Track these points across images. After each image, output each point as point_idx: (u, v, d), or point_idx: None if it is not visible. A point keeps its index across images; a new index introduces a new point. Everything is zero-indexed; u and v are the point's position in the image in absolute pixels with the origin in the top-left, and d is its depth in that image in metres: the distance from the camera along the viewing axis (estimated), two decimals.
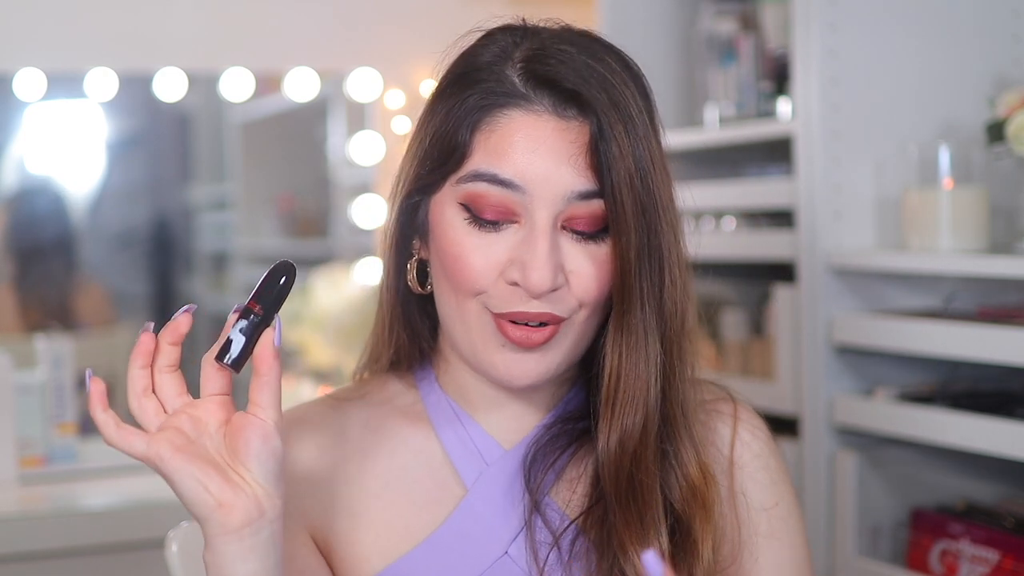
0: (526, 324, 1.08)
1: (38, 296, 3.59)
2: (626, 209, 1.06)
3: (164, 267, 4.15)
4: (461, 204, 1.08)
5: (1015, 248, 1.86)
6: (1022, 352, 1.69)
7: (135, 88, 2.90)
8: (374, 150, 2.96)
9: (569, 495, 1.14)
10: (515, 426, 1.17)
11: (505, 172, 1.06)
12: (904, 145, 1.99)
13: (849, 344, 1.97)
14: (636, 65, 1.12)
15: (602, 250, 1.08)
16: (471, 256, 1.08)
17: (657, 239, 1.08)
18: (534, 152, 1.06)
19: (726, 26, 2.35)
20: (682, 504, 1.11)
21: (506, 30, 1.13)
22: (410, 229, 1.16)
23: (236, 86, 2.89)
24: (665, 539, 1.09)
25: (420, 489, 1.15)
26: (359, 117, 3.02)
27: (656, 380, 1.10)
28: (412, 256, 1.16)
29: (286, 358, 3.05)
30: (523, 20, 1.14)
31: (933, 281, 2.01)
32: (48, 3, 2.66)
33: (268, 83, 3.07)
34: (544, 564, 1.10)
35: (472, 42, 1.13)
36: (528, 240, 1.06)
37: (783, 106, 2.14)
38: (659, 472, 1.10)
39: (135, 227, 4.08)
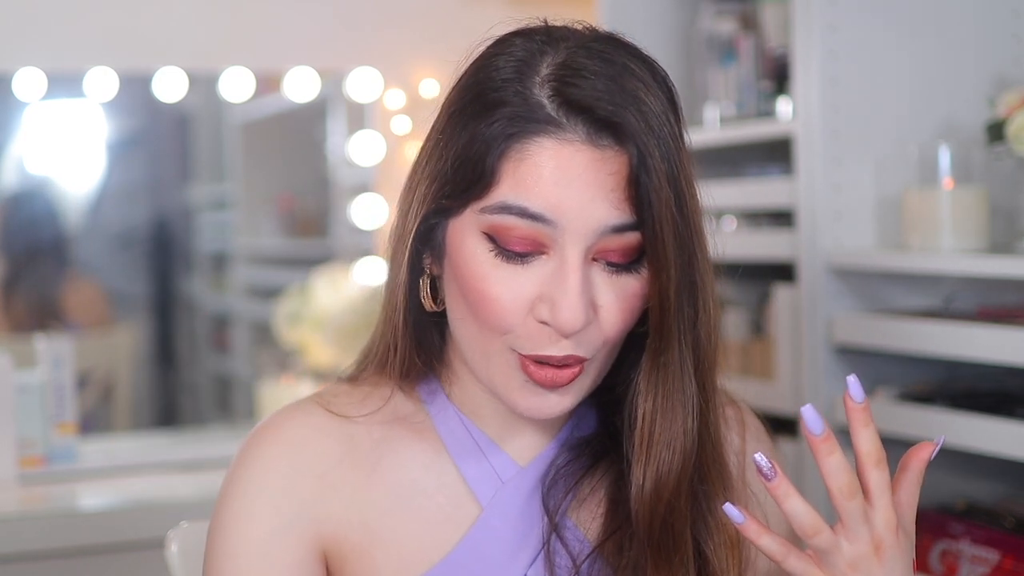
0: (551, 365, 1.03)
1: (29, 296, 3.60)
2: (667, 244, 1.00)
3: (164, 267, 4.16)
4: (485, 234, 1.02)
5: (1015, 248, 1.86)
6: (1022, 352, 1.69)
7: (135, 88, 2.90)
8: (374, 150, 2.96)
9: (589, 518, 1.11)
10: (528, 442, 1.13)
11: (535, 205, 0.99)
12: (904, 145, 1.99)
13: (849, 344, 1.97)
14: (662, 69, 1.06)
15: (633, 281, 1.03)
16: (497, 290, 1.01)
17: (693, 270, 1.03)
18: (568, 185, 0.99)
19: (726, 26, 2.35)
20: (711, 543, 1.09)
21: (524, 35, 1.05)
22: (423, 247, 1.09)
23: (236, 86, 2.89)
24: None
25: (433, 506, 1.11)
26: (359, 117, 3.02)
27: (693, 421, 1.05)
28: (424, 272, 1.09)
29: (285, 358, 3.05)
30: (544, 21, 1.07)
31: (933, 281, 2.01)
32: (48, 3, 2.66)
33: (268, 83, 3.08)
34: None
35: (489, 50, 1.06)
36: (559, 275, 1.00)
37: (783, 106, 2.14)
38: (690, 513, 1.07)
39: (135, 227, 4.08)
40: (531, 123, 1.00)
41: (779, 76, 2.20)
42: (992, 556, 1.81)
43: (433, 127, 1.08)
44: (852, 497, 0.97)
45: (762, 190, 2.15)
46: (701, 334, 1.05)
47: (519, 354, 1.03)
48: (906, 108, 2.03)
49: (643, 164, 0.99)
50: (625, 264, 1.02)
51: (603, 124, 1.00)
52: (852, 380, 0.99)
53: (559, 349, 1.02)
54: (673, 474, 1.05)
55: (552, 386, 1.03)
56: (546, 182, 0.99)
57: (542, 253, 1.01)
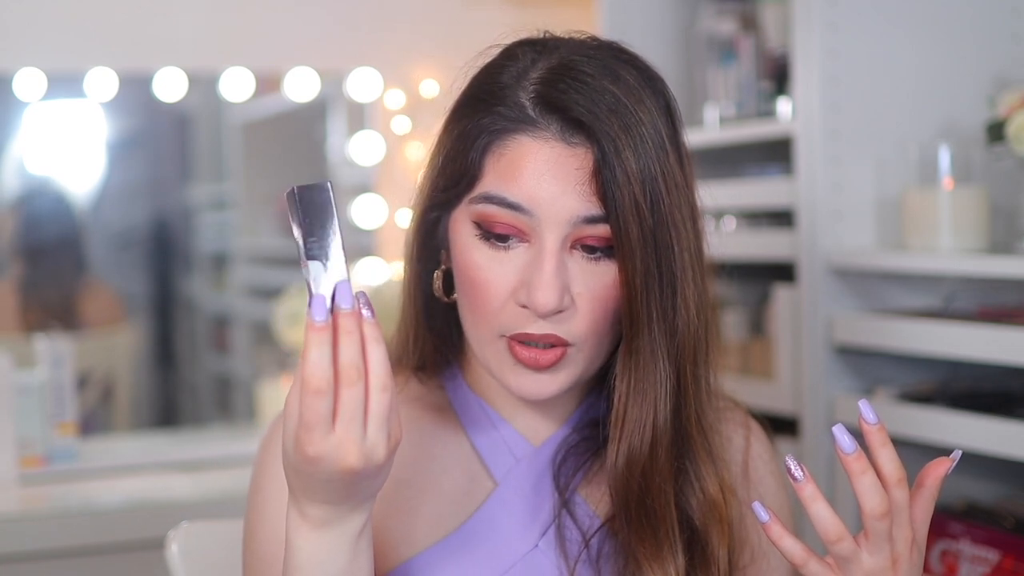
0: (534, 345, 1.09)
1: (45, 296, 3.59)
2: (631, 236, 1.06)
3: (164, 267, 4.15)
4: (474, 222, 1.11)
5: (1015, 248, 1.86)
6: (1022, 352, 1.69)
7: (135, 88, 2.90)
8: (374, 150, 2.96)
9: (599, 495, 1.16)
10: (542, 425, 1.20)
11: (514, 195, 1.08)
12: (904, 145, 1.99)
13: (849, 344, 1.97)
14: (660, 78, 1.13)
15: (609, 270, 1.10)
16: (484, 276, 1.10)
17: (668, 262, 1.09)
18: (541, 177, 1.07)
19: (726, 26, 2.35)
20: (701, 519, 1.13)
21: (525, 45, 1.14)
22: (432, 241, 1.18)
23: (236, 86, 2.89)
24: (681, 557, 1.11)
25: (449, 480, 1.18)
26: (359, 117, 3.02)
27: (665, 402, 1.10)
28: (439, 266, 1.18)
29: (285, 358, 3.05)
30: (545, 33, 1.16)
31: (933, 281, 2.01)
32: (48, 3, 2.66)
33: (268, 83, 3.07)
34: (575, 563, 1.13)
35: (491, 58, 1.15)
36: (536, 261, 1.08)
37: (783, 106, 2.14)
38: (675, 489, 1.12)
39: (135, 227, 4.08)
40: (511, 122, 1.09)
41: (779, 76, 2.20)
42: (992, 556, 1.81)
43: (437, 133, 1.17)
44: (883, 518, 1.02)
45: (762, 190, 2.15)
46: (679, 323, 1.10)
47: (507, 338, 1.10)
48: (906, 108, 2.03)
49: (605, 160, 1.06)
50: (602, 248, 1.09)
51: (574, 122, 1.08)
52: (863, 404, 1.04)
53: (538, 328, 1.09)
54: (644, 450, 1.10)
55: (535, 366, 1.10)
56: (523, 175, 1.08)
57: (524, 241, 1.09)
